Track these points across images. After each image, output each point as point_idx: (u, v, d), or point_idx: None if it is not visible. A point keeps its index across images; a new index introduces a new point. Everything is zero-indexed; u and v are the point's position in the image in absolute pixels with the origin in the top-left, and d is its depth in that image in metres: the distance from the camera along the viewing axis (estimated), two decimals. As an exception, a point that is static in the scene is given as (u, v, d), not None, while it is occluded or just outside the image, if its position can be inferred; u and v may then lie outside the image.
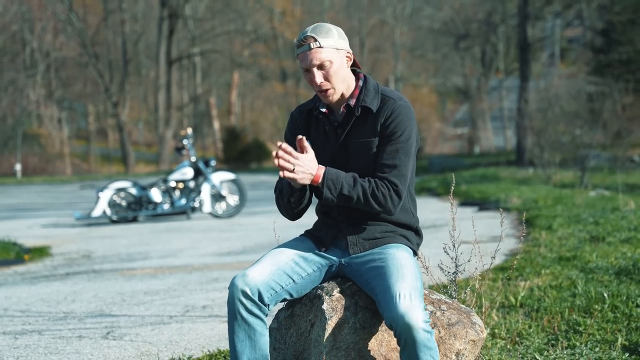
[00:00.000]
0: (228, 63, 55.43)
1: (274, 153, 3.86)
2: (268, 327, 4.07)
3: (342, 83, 4.11)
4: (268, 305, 3.99)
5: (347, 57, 4.12)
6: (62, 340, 6.28)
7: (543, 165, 23.82)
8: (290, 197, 4.13)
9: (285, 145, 3.86)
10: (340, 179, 3.97)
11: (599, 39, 48.08)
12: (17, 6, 53.51)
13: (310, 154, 3.94)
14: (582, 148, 22.19)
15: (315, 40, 4.03)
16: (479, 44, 57.76)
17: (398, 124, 4.08)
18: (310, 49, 4.03)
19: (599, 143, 24.23)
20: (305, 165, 3.91)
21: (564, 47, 75.67)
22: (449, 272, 5.03)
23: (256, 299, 3.94)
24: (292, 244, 4.20)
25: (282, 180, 4.16)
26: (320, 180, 3.95)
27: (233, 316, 3.97)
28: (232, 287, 3.95)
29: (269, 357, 4.02)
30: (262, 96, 63.08)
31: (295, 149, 4.14)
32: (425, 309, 3.88)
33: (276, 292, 4.01)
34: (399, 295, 3.74)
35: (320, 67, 4.05)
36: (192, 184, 17.26)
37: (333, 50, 4.06)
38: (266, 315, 4.00)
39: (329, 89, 4.08)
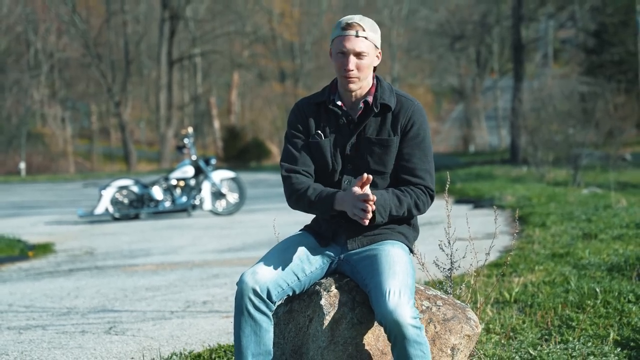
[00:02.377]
0: (228, 63, 55.41)
1: (369, 208, 3.82)
2: (273, 323, 4.06)
3: (366, 78, 4.12)
4: (274, 302, 3.99)
5: (377, 55, 4.15)
6: (66, 335, 6.28)
7: (537, 164, 23.83)
8: (317, 211, 4.12)
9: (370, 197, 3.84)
10: (387, 202, 3.99)
11: (591, 40, 48.16)
12: (21, 8, 53.47)
13: (366, 189, 3.92)
14: (575, 147, 22.19)
15: (363, 30, 4.05)
16: (474, 44, 57.84)
17: (420, 127, 4.14)
18: (356, 36, 4.04)
19: (591, 142, 24.21)
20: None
21: (557, 48, 75.67)
22: (444, 269, 5.02)
23: (265, 296, 3.93)
24: (295, 240, 4.18)
25: (316, 193, 4.08)
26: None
27: (240, 312, 3.96)
28: (242, 284, 3.94)
29: (272, 352, 4.03)
30: (262, 96, 63.05)
31: (308, 140, 4.18)
32: (415, 306, 3.87)
33: (283, 289, 4.01)
34: (389, 292, 3.75)
35: (357, 55, 4.05)
36: (192, 182, 17.26)
37: (372, 46, 4.10)
38: (272, 312, 3.99)
39: (355, 77, 4.08)
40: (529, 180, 22.44)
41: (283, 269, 4.01)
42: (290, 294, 4.08)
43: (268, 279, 3.95)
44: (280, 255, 4.07)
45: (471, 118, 60.66)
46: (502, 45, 60.78)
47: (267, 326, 3.99)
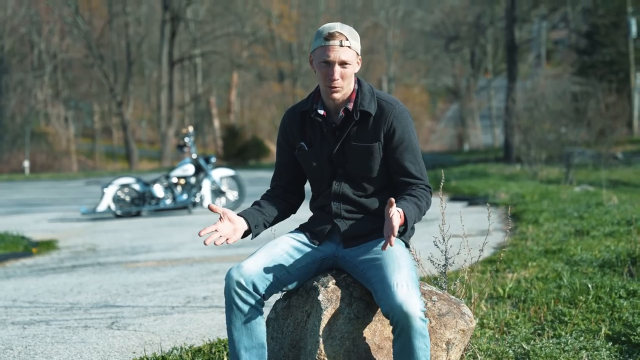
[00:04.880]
0: (228, 64, 55.37)
1: None
2: (265, 316, 4.07)
3: (349, 85, 4.10)
4: (263, 295, 3.99)
5: (358, 62, 4.13)
6: (69, 330, 6.27)
7: (530, 162, 23.82)
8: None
9: None
10: (413, 217, 3.96)
11: (583, 41, 48.20)
12: (25, 9, 53.50)
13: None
14: (567, 145, 22.18)
15: (347, 39, 4.02)
16: (469, 45, 57.84)
17: (403, 130, 4.10)
18: (341, 45, 4.01)
19: (583, 141, 24.23)
20: None
21: (550, 48, 75.77)
22: (439, 265, 5.02)
23: (251, 289, 3.94)
24: (288, 237, 4.20)
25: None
26: (404, 224, 3.91)
27: (229, 306, 3.97)
28: (228, 278, 3.96)
29: (265, 345, 4.02)
30: (260, 96, 63.06)
31: (288, 154, 4.28)
32: (421, 298, 3.87)
33: (271, 282, 4.00)
34: (397, 284, 3.74)
35: (342, 65, 4.03)
36: (193, 180, 17.25)
37: (355, 54, 4.07)
38: (262, 305, 4.00)
39: (340, 87, 4.05)
40: (522, 178, 22.44)
41: (270, 263, 4.02)
42: (283, 288, 4.09)
43: (253, 271, 3.96)
44: (268, 250, 4.09)
45: (466, 117, 60.67)
46: (496, 46, 60.82)
47: (258, 319, 3.99)
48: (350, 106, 4.12)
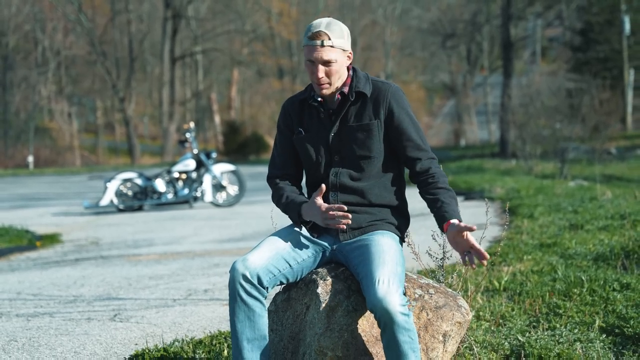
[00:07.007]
0: (228, 61, 55.33)
1: (349, 216, 4.02)
2: (267, 309, 4.07)
3: (339, 80, 4.11)
4: (267, 288, 3.99)
5: (348, 57, 4.12)
6: (72, 322, 6.27)
7: (525, 157, 23.83)
8: (291, 218, 4.23)
9: None
10: (457, 212, 4.07)
11: (577, 38, 48.21)
12: (29, 7, 53.43)
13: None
14: (562, 141, 22.20)
15: (329, 38, 4.02)
16: (465, 42, 57.85)
17: (402, 105, 4.15)
18: (322, 45, 4.02)
19: (577, 136, 24.23)
20: None
21: (545, 45, 75.75)
22: (436, 258, 5.02)
23: (255, 282, 3.94)
24: (288, 231, 4.19)
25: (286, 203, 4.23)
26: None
27: (234, 298, 3.97)
28: (233, 271, 3.95)
29: (267, 337, 4.02)
30: (261, 92, 63.03)
31: (289, 137, 4.27)
32: (406, 293, 3.86)
33: (274, 275, 4.01)
34: (378, 280, 3.75)
35: (325, 63, 4.04)
36: (194, 175, 17.24)
37: (340, 51, 4.06)
38: (265, 298, 4.00)
39: (327, 84, 4.07)
40: (518, 173, 22.44)
41: (273, 256, 4.03)
42: (284, 281, 4.09)
43: (258, 265, 3.96)
44: (271, 244, 4.09)
45: (462, 113, 60.73)
46: (492, 43, 60.82)
47: (261, 311, 3.99)
48: (346, 89, 4.15)
